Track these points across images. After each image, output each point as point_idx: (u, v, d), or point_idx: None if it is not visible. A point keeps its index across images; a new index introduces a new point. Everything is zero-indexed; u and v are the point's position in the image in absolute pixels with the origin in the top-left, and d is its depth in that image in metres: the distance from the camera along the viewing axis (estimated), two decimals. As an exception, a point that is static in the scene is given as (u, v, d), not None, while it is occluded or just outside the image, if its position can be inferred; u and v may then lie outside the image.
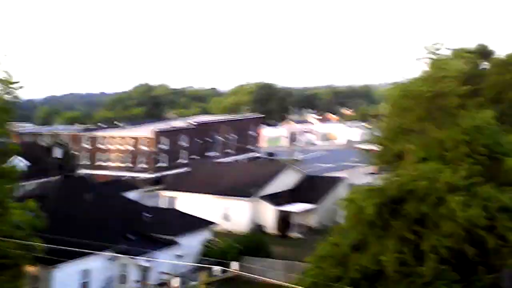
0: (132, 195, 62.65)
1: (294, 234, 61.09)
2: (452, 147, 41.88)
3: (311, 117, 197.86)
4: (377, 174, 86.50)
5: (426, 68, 45.84)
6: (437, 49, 45.83)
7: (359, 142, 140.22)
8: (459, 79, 43.83)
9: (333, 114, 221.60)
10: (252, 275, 23.61)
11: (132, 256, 43.83)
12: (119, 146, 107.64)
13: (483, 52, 64.13)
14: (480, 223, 35.40)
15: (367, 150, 65.68)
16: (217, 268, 20.12)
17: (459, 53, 53.71)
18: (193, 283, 17.72)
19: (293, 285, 38.85)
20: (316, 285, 38.61)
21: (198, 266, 46.76)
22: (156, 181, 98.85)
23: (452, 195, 36.41)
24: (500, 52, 71.74)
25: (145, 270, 44.47)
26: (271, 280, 39.26)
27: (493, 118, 43.36)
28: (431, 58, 46.05)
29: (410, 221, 38.00)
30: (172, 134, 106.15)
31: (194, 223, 50.54)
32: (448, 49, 46.60)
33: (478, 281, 35.39)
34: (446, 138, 42.37)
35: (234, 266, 20.72)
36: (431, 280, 34.72)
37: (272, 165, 75.36)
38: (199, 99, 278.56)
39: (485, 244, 36.12)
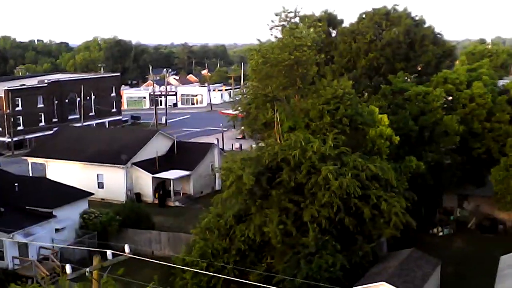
0: (-5, 164, 59.02)
1: (173, 202, 61.04)
2: (316, 117, 44.30)
3: (172, 78, 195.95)
4: (244, 139, 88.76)
5: (280, 35, 47.50)
6: (289, 16, 47.71)
7: (221, 106, 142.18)
8: (314, 48, 46.13)
9: (192, 74, 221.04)
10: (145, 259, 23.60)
11: (7, 231, 41.75)
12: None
13: (330, 20, 67.20)
14: (356, 192, 38.13)
15: (233, 116, 66.89)
16: (109, 252, 19.91)
17: (309, 20, 56.36)
18: (86, 269, 17.37)
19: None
20: (203, 257, 39.60)
21: (77, 241, 46.24)
22: (16, 145, 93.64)
23: (323, 164, 38.80)
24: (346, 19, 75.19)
25: (24, 246, 42.55)
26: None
27: (351, 87, 46.46)
28: (284, 26, 47.78)
29: (288, 190, 39.98)
30: (27, 94, 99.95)
31: (71, 194, 48.74)
32: (297, 16, 48.54)
33: (359, 250, 38.30)
34: (311, 108, 44.66)
35: (127, 249, 20.66)
36: (315, 251, 37.00)
37: (142, 131, 74.11)
38: (48, 54, 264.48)
39: (362, 214, 39.10)
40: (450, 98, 56.21)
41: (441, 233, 51.64)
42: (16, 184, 47.33)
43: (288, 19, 46.59)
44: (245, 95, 51.30)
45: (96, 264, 18.92)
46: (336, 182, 37.85)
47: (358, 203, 38.63)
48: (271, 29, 46.97)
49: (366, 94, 60.41)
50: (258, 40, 48.37)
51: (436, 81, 56.13)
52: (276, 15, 46.84)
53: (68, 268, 17.94)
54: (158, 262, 31.05)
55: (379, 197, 38.99)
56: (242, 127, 58.66)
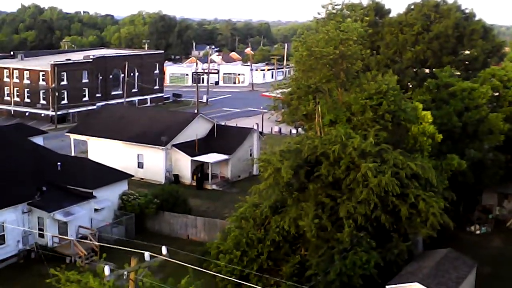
0: (39, 140, 60.22)
1: (210, 185, 61.52)
2: (358, 112, 43.87)
3: (215, 55, 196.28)
4: (284, 122, 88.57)
5: (326, 26, 46.98)
6: (335, 7, 47.07)
7: (263, 86, 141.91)
8: (360, 43, 45.59)
9: (235, 52, 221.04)
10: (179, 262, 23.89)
11: (48, 209, 42.83)
12: (16, 80, 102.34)
13: (378, 10, 66.17)
14: (394, 190, 37.77)
15: (274, 106, 66.62)
16: (147, 254, 20.15)
17: (356, 10, 55.61)
18: (125, 271, 17.68)
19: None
20: (238, 246, 39.93)
21: (115, 221, 47.11)
22: (60, 119, 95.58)
23: (363, 161, 38.48)
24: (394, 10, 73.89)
25: (63, 224, 43.63)
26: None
27: (396, 83, 45.80)
28: (331, 19, 47.19)
29: (325, 184, 39.84)
30: (72, 68, 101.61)
31: (111, 175, 49.51)
32: (344, 7, 47.85)
33: (394, 248, 38.05)
34: (353, 102, 44.24)
35: (164, 250, 20.90)
36: (350, 247, 36.91)
37: (183, 113, 74.58)
38: (94, 26, 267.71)
39: (399, 212, 38.77)
40: (497, 94, 55.00)
41: (478, 232, 50.88)
42: (58, 163, 48.27)
43: (334, 11, 46.02)
44: (286, 85, 51.22)
45: (133, 266, 19.27)
46: (375, 180, 37.51)
47: (395, 201, 38.24)
48: (316, 22, 46.51)
49: (411, 86, 59.50)
50: (305, 32, 47.71)
51: (483, 77, 54.87)
52: (323, 7, 46.32)
53: (106, 269, 18.29)
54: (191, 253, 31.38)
55: (418, 196, 38.50)
56: (283, 116, 58.33)
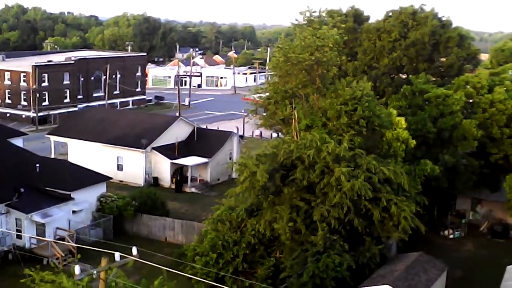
0: (18, 141, 60.28)
1: (189, 188, 62.01)
2: (334, 117, 44.76)
3: (198, 58, 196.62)
4: (264, 127, 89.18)
5: (304, 32, 47.90)
6: (313, 14, 47.90)
7: (245, 89, 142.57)
8: (336, 50, 46.51)
9: (218, 55, 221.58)
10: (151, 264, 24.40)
11: (26, 211, 43.12)
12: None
13: (357, 16, 67.21)
14: (367, 194, 38.67)
15: (252, 110, 67.44)
16: (117, 255, 20.71)
17: (335, 16, 56.55)
18: (94, 271, 18.10)
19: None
20: (214, 248, 40.55)
21: (93, 223, 47.48)
22: (41, 120, 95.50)
23: (337, 165, 39.33)
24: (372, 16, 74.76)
25: (41, 226, 43.93)
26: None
27: (370, 85, 46.77)
28: (308, 26, 48.05)
29: (300, 188, 40.66)
30: (53, 70, 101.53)
31: (90, 178, 49.83)
32: (322, 14, 48.67)
33: (367, 251, 38.87)
34: (329, 107, 45.14)
35: (134, 251, 21.44)
36: (323, 250, 37.68)
37: (164, 116, 74.93)
38: (78, 27, 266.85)
39: (371, 216, 39.63)
40: (471, 101, 56.17)
41: (451, 236, 51.92)
42: (37, 165, 48.50)
43: (312, 18, 46.87)
44: (263, 89, 51.98)
45: (104, 265, 19.81)
46: (348, 184, 38.36)
47: (368, 205, 39.11)
48: (294, 28, 47.32)
49: (387, 93, 60.55)
50: (283, 39, 48.59)
51: (457, 84, 56.04)
52: (301, 13, 47.18)
53: (77, 269, 18.81)
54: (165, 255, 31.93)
55: (390, 201, 39.41)
56: (261, 120, 59.07)
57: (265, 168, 39.99)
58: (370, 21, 67.67)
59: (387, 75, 62.13)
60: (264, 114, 53.42)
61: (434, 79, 61.12)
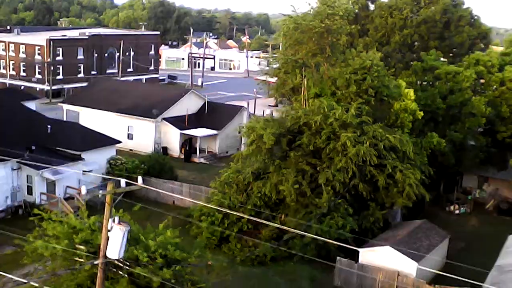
0: (31, 105, 61.13)
1: (198, 159, 62.62)
2: (343, 86, 45.19)
3: (212, 42, 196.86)
4: (276, 106, 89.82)
5: (316, 4, 48.33)
6: None
7: (258, 73, 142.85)
8: (347, 18, 46.84)
9: (232, 40, 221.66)
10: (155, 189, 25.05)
11: (37, 167, 43.90)
12: (12, 54, 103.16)
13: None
14: (372, 160, 39.16)
15: (265, 82, 68.22)
16: (123, 181, 21.48)
17: None
18: (100, 192, 18.75)
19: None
20: (220, 207, 41.16)
21: (103, 184, 48.16)
22: (54, 94, 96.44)
23: (343, 131, 39.82)
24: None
25: (51, 183, 44.74)
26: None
27: (381, 60, 47.07)
28: None
29: (306, 153, 41.26)
30: (67, 44, 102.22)
31: (100, 140, 50.61)
32: None
33: (370, 216, 39.39)
34: (338, 76, 45.57)
35: (139, 180, 22.21)
36: (327, 212, 38.24)
37: (176, 89, 75.54)
38: (93, 9, 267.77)
39: (376, 182, 40.11)
40: (482, 81, 56.28)
41: (457, 211, 52.24)
42: (49, 126, 49.28)
43: None
44: (275, 59, 52.39)
45: (109, 189, 20.45)
46: (354, 149, 38.90)
47: (373, 170, 39.64)
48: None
49: (397, 70, 60.73)
50: (295, 10, 49.01)
51: (468, 62, 56.13)
52: None
53: (83, 188, 19.46)
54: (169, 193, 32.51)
55: (395, 167, 39.93)
56: (271, 91, 59.74)
57: (272, 131, 40.61)
58: (383, -1, 67.79)
59: (398, 52, 62.32)
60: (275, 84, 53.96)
61: (444, 59, 61.20)
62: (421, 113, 46.64)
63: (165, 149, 63.05)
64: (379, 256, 35.45)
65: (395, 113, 45.76)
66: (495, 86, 54.58)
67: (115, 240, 20.21)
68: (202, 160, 62.46)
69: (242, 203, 41.09)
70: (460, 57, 61.30)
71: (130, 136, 63.61)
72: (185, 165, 59.84)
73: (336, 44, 47.43)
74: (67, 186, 45.51)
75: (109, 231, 20.35)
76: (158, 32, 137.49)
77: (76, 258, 23.76)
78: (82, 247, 23.97)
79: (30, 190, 44.20)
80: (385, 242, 36.76)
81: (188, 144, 63.04)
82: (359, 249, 35.65)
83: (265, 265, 38.32)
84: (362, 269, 35.45)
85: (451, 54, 63.96)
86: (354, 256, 36.40)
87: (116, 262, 21.49)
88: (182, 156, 62.42)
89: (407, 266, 34.61)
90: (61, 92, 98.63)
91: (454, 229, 46.86)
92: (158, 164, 50.22)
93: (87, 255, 24.05)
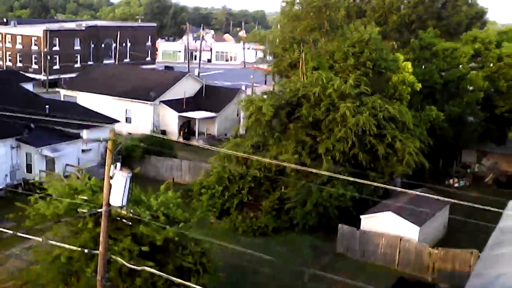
0: (29, 86, 61.05)
1: (197, 141, 62.44)
2: (341, 59, 45.21)
3: (208, 35, 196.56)
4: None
5: None
6: None
7: (255, 63, 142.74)
8: None
9: (228, 34, 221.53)
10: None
11: (36, 145, 43.84)
12: (9, 45, 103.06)
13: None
14: (371, 130, 39.18)
15: (267, 72, 67.98)
16: (118, 165, 20.68)
17: None
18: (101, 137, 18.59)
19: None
20: (220, 182, 41.20)
21: (102, 162, 48.07)
22: (51, 84, 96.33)
23: (342, 102, 39.82)
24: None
25: (50, 161, 44.67)
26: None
27: (379, 34, 47.08)
28: None
29: (305, 125, 41.24)
30: (64, 35, 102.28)
31: (98, 119, 50.53)
32: None
33: (368, 186, 39.31)
34: (336, 50, 45.59)
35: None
36: (327, 181, 38.20)
37: (173, 72, 75.28)
38: (89, 7, 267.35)
39: (376, 152, 40.13)
40: (479, 59, 56.33)
41: (456, 185, 52.30)
42: (47, 106, 49.21)
43: None
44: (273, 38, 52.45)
45: (111, 135, 20.36)
46: (353, 119, 38.93)
47: (373, 140, 39.67)
48: None
49: (394, 49, 60.76)
50: None
51: (465, 39, 56.17)
52: None
53: (84, 133, 19.35)
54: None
55: (394, 137, 39.98)
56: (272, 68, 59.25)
57: (271, 103, 40.62)
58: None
59: (396, 31, 62.31)
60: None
61: (442, 38, 61.10)
62: (419, 85, 46.68)
63: (163, 132, 62.99)
64: (381, 222, 35.51)
65: (393, 86, 45.79)
66: (492, 63, 54.59)
67: (118, 187, 20.07)
68: (201, 141, 62.38)
69: (242, 175, 41.04)
70: (457, 35, 61.27)
71: (128, 120, 63.57)
72: (184, 147, 59.67)
73: (334, 19, 47.41)
74: (67, 164, 45.41)
75: (111, 178, 20.26)
76: (155, 24, 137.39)
77: (79, 212, 23.69)
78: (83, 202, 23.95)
79: (29, 168, 44.08)
80: (386, 208, 36.77)
81: (186, 126, 62.98)
82: (361, 216, 35.67)
83: (267, 236, 38.27)
84: (364, 235, 35.45)
85: (448, 34, 63.87)
86: (355, 225, 36.44)
87: (119, 211, 21.39)
88: (181, 139, 62.35)
89: (409, 231, 34.68)
90: (57, 82, 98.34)
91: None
92: (157, 143, 50.12)
93: (89, 213, 24.01)
